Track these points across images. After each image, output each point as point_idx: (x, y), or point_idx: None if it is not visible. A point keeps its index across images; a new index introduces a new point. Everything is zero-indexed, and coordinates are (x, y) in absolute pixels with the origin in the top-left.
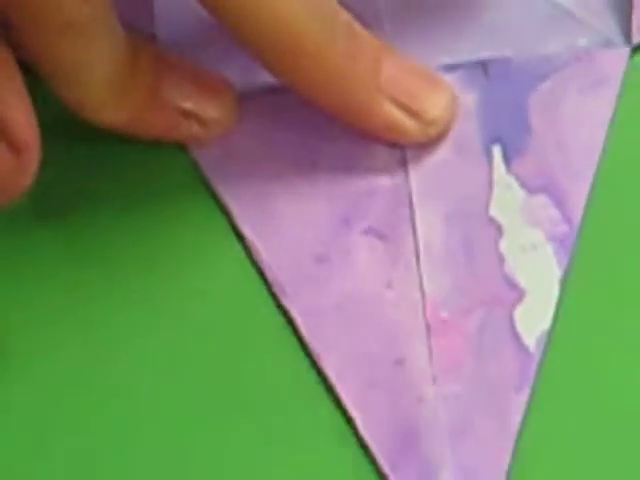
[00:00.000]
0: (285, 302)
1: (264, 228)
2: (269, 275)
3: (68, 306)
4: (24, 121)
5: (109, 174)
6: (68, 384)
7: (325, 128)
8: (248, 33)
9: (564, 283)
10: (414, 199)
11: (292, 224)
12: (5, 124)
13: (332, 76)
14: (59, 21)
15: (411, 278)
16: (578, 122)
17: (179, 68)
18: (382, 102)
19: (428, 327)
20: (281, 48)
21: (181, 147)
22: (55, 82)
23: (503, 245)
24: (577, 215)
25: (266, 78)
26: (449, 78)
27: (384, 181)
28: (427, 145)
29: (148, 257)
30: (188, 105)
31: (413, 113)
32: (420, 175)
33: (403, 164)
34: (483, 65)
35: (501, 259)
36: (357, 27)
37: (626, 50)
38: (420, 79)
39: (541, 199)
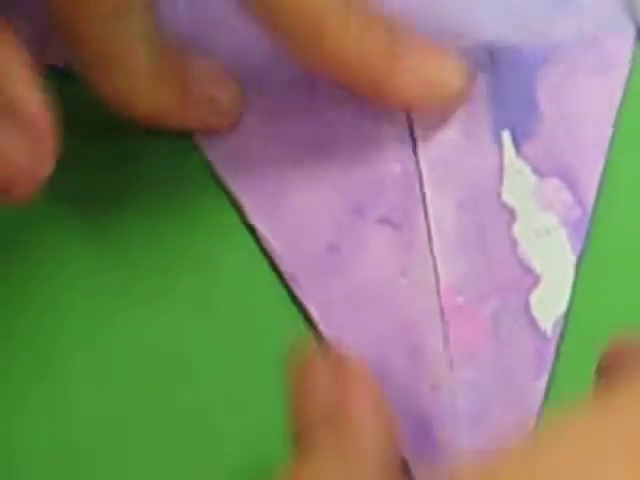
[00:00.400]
0: (298, 292)
1: (275, 218)
2: (281, 265)
3: (83, 299)
4: (39, 110)
5: (121, 169)
6: (82, 379)
7: (335, 118)
8: (268, 12)
9: (578, 266)
10: (425, 186)
11: (303, 214)
12: (21, 116)
13: (349, 52)
14: (107, 4)
15: (425, 265)
16: (587, 105)
17: (197, 60)
18: (401, 73)
19: (443, 313)
20: (302, 27)
21: (190, 139)
22: (95, 71)
23: (516, 230)
24: (590, 198)
25: (278, 72)
26: None
27: (395, 169)
28: (437, 131)
29: (158, 250)
30: (212, 94)
31: (431, 81)
32: (430, 162)
33: (413, 151)
34: (490, 50)
35: (514, 244)
36: (368, 2)
37: (633, 34)
38: (434, 48)
39: (554, 182)
